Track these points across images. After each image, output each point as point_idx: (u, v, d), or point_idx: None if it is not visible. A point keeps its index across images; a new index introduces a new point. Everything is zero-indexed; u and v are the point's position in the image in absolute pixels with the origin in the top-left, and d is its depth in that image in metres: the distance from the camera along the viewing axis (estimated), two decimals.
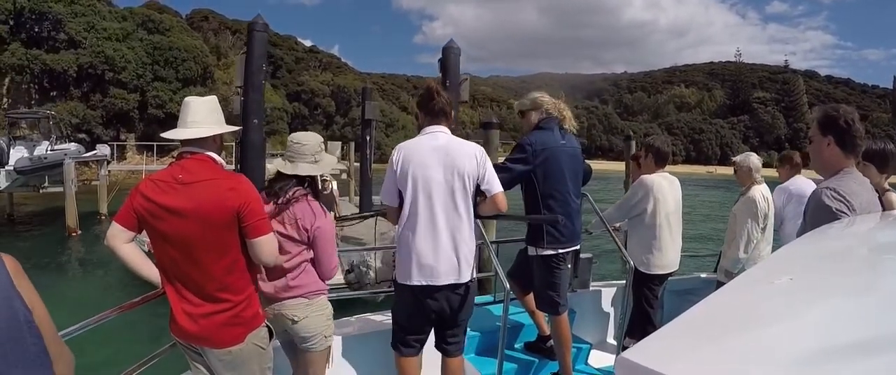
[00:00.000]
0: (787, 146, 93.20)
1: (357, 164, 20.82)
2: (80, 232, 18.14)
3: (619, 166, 77.29)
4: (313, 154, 2.76)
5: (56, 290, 12.69)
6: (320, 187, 2.86)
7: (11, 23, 39.17)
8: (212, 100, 2.53)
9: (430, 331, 3.04)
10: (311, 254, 2.73)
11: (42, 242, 17.41)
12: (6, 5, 38.42)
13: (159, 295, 2.49)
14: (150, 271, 2.43)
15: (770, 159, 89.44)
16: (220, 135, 2.53)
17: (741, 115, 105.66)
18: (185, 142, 2.39)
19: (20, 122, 22.49)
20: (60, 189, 18.39)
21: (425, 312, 2.89)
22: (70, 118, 38.05)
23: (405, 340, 2.99)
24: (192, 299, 2.35)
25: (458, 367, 3.04)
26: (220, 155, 2.51)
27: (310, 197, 2.72)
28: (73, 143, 23.83)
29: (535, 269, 3.60)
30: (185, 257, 2.31)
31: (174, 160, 2.41)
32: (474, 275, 2.92)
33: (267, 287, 2.67)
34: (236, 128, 2.90)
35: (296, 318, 2.68)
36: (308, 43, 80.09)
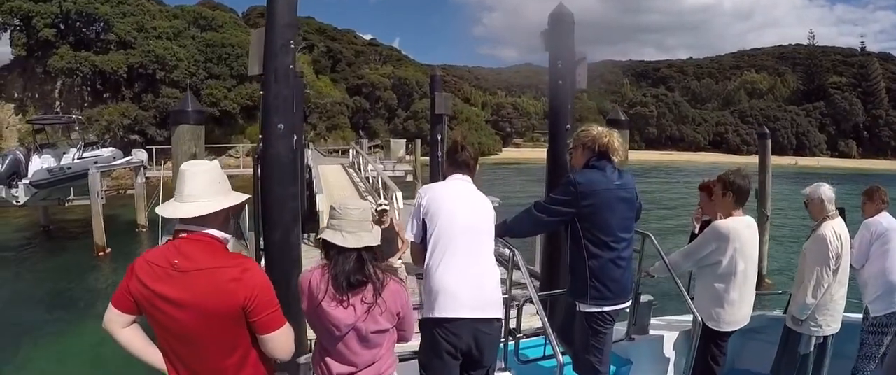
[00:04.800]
0: (865, 134, 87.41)
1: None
2: (109, 250, 16.10)
3: (692, 157, 72.49)
4: (369, 220, 2.44)
5: (65, 327, 10.64)
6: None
7: (62, 26, 39.33)
8: (212, 167, 2.24)
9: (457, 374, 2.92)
10: (397, 333, 2.54)
11: (67, 263, 15.49)
12: (52, 9, 38.31)
13: None
14: (155, 358, 2.17)
15: (849, 149, 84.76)
16: (226, 209, 2.20)
17: (816, 102, 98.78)
18: (182, 219, 2.13)
19: (46, 128, 20.76)
20: (87, 201, 16.36)
21: (451, 350, 2.81)
22: (122, 119, 38.05)
23: None
24: None
25: None
26: (227, 230, 2.23)
27: (391, 275, 2.46)
28: (108, 148, 22.02)
29: (576, 327, 3.29)
30: (189, 352, 2.11)
31: (172, 238, 2.17)
32: (501, 314, 3.01)
33: None
34: (245, 197, 2.34)
35: None
36: (368, 37, 77.82)
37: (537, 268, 8.11)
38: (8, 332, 10.59)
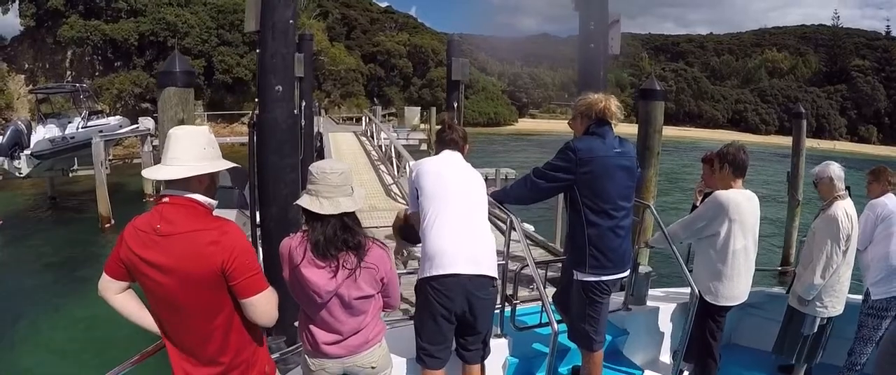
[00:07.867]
0: (886, 120, 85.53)
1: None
2: (113, 222, 15.63)
3: (710, 135, 71.02)
4: (350, 184, 2.38)
5: (65, 300, 10.33)
6: None
7: None
8: (199, 132, 2.22)
9: (452, 339, 2.95)
10: (382, 299, 2.53)
11: (71, 235, 15.12)
12: None
13: (161, 347, 2.30)
14: (148, 321, 2.22)
15: (869, 135, 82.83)
16: (211, 175, 2.19)
17: (838, 84, 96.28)
18: (166, 183, 2.14)
19: (50, 98, 20.24)
20: (92, 171, 15.91)
21: (446, 313, 2.81)
22: (133, 88, 37.90)
23: (429, 350, 2.89)
24: (190, 359, 2.17)
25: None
26: (211, 196, 2.20)
27: (373, 239, 2.44)
28: (114, 117, 21.53)
29: (573, 295, 3.33)
30: (174, 317, 2.14)
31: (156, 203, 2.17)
32: (495, 275, 2.93)
33: (338, 349, 2.42)
34: (230, 164, 2.28)
35: (375, 365, 2.52)
36: (384, 4, 76.21)
37: (558, 245, 7.65)
38: (11, 305, 10.36)
